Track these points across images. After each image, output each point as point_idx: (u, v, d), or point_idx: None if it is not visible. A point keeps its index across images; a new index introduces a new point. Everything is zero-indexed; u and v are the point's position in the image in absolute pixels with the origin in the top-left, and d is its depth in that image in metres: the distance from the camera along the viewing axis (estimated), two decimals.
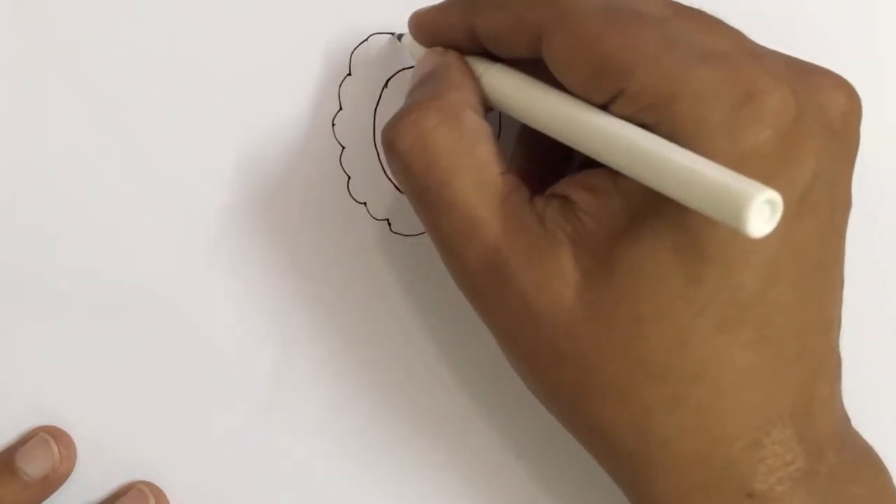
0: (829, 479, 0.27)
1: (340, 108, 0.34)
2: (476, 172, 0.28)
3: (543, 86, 0.28)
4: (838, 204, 0.28)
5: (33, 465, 0.33)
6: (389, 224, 0.34)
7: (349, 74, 0.33)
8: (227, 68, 0.33)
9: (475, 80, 0.29)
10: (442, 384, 0.34)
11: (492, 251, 0.27)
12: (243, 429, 0.34)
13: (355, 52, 0.33)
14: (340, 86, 0.34)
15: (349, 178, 0.34)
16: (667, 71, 0.25)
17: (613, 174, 0.26)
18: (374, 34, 0.33)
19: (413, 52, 0.32)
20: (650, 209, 0.26)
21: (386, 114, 0.33)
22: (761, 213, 0.22)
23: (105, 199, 0.33)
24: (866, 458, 0.29)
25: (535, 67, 0.28)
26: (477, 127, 0.28)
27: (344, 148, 0.34)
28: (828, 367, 0.28)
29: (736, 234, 0.24)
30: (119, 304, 0.34)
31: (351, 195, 0.34)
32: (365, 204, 0.34)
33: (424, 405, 0.34)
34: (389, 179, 0.34)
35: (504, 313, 0.28)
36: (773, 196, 0.22)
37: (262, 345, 0.34)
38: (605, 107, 0.26)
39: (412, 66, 0.33)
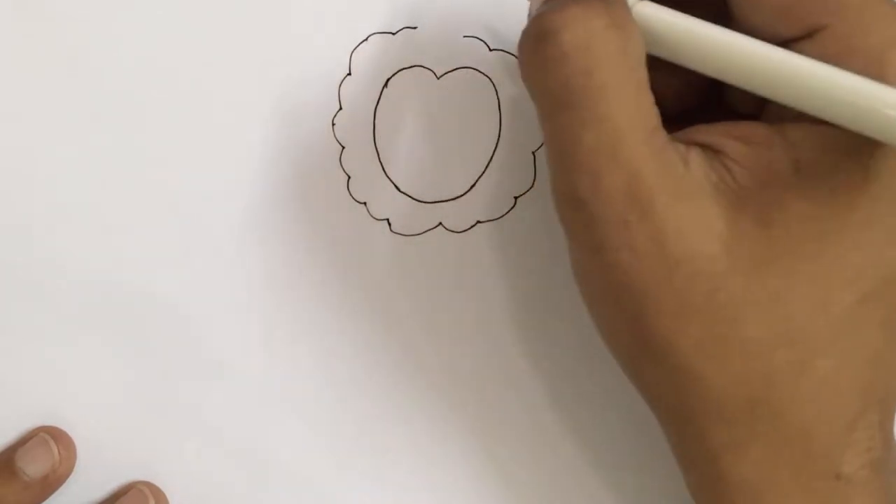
0: (892, 470, 0.27)
1: (340, 108, 0.34)
2: (636, 91, 0.25)
3: (707, 22, 0.25)
4: None
5: (33, 466, 0.33)
6: (389, 224, 0.34)
7: (349, 74, 0.33)
8: (227, 68, 0.33)
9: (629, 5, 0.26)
10: (442, 384, 0.34)
11: (636, 178, 0.25)
12: (243, 429, 0.34)
13: (355, 52, 0.33)
14: (340, 86, 0.33)
15: (349, 178, 0.34)
16: (882, 21, 0.24)
17: (775, 125, 0.25)
18: (374, 34, 0.33)
19: None
20: (824, 164, 0.24)
21: (386, 114, 0.33)
22: None
23: (105, 199, 0.33)
24: None
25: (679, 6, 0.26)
26: (641, 46, 0.26)
27: (344, 148, 0.34)
28: None
29: None
30: (119, 305, 0.34)
31: (351, 195, 0.34)
32: (365, 204, 0.34)
33: (425, 405, 0.34)
34: (389, 179, 0.34)
35: (629, 251, 0.25)
36: None
37: (262, 344, 0.34)
38: (788, 43, 0.25)
39: (413, 66, 0.33)
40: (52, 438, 0.33)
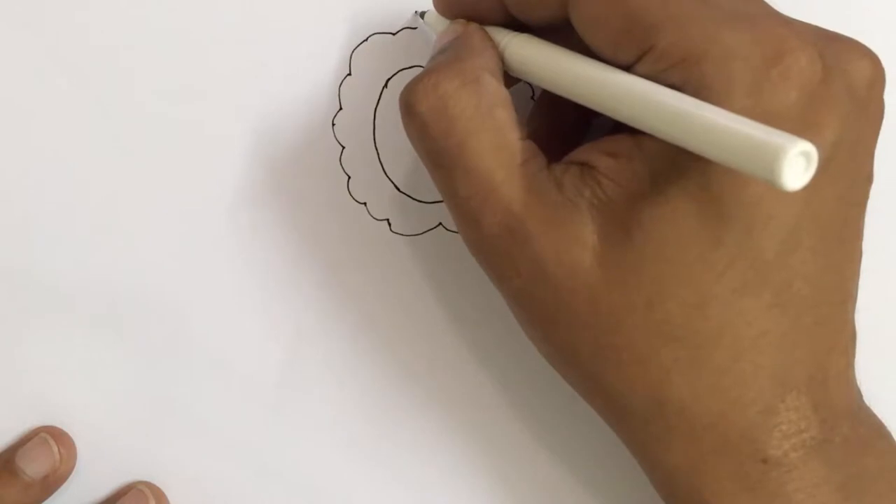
0: (842, 450, 0.27)
1: (340, 108, 0.34)
2: (494, 136, 0.28)
3: (569, 52, 0.28)
4: (859, 175, 0.28)
5: (33, 466, 0.33)
6: (389, 224, 0.34)
7: (349, 74, 0.34)
8: (228, 68, 0.33)
9: (495, 49, 0.29)
10: (442, 382, 0.34)
11: (508, 215, 0.27)
12: (243, 429, 0.34)
13: (355, 52, 0.33)
14: (340, 86, 0.34)
15: (349, 178, 0.34)
16: (697, 29, 0.25)
17: (636, 137, 0.26)
18: (374, 34, 0.33)
19: (436, 27, 0.32)
20: (673, 171, 0.26)
21: (386, 114, 0.34)
22: (796, 165, 0.22)
23: (105, 199, 0.33)
24: (879, 432, 0.29)
25: (557, 37, 0.28)
26: (496, 92, 0.28)
27: (344, 148, 0.34)
28: (843, 338, 0.28)
29: (759, 198, 0.24)
30: (119, 304, 0.34)
31: (351, 195, 0.34)
32: (365, 204, 0.34)
33: (425, 403, 0.34)
34: (389, 179, 0.34)
35: (519, 278, 0.28)
36: (807, 148, 0.22)
37: (262, 345, 0.34)
38: (630, 66, 0.26)
39: (413, 66, 0.33)
40: (52, 438, 0.33)
